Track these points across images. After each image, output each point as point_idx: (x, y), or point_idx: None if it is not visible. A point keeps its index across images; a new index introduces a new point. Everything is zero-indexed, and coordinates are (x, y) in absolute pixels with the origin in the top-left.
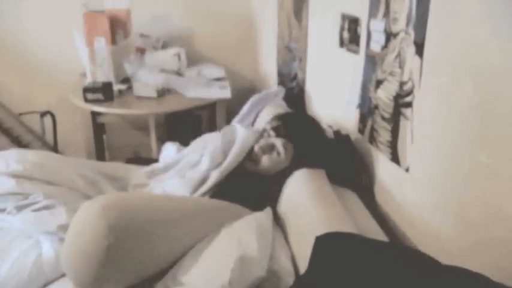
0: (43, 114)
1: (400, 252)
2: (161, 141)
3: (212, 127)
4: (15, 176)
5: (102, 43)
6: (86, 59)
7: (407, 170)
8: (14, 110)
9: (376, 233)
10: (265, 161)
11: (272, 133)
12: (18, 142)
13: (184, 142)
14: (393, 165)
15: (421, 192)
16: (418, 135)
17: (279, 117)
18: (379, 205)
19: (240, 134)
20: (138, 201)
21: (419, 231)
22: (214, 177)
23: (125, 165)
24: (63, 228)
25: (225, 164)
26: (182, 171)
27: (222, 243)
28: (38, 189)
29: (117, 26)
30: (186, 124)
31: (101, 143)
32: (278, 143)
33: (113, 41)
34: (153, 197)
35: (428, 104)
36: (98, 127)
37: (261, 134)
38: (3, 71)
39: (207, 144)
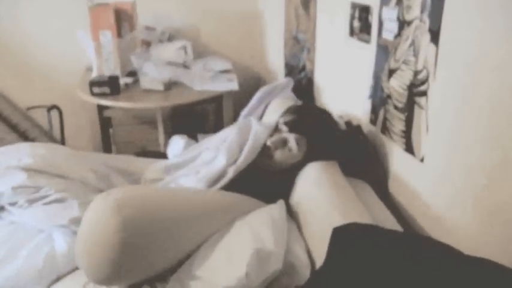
0: (50, 109)
1: (421, 243)
2: (168, 135)
3: (219, 120)
4: (27, 169)
5: (108, 37)
6: (91, 53)
7: (422, 160)
8: (20, 106)
9: (391, 224)
10: (278, 155)
11: (284, 128)
12: (25, 137)
13: (192, 136)
14: (407, 155)
15: (436, 183)
16: (433, 124)
17: (292, 110)
18: (392, 196)
19: (253, 130)
20: (153, 195)
21: (434, 222)
22: (229, 173)
23: (137, 159)
24: (75, 221)
25: (238, 162)
26: (197, 167)
27: (237, 236)
28: (49, 183)
29: (122, 19)
30: (192, 118)
31: (107, 137)
32: (291, 138)
33: (119, 34)
34: (168, 190)
35: (443, 93)
36: (104, 121)
37: (275, 128)
38: (6, 67)
39: (224, 141)
